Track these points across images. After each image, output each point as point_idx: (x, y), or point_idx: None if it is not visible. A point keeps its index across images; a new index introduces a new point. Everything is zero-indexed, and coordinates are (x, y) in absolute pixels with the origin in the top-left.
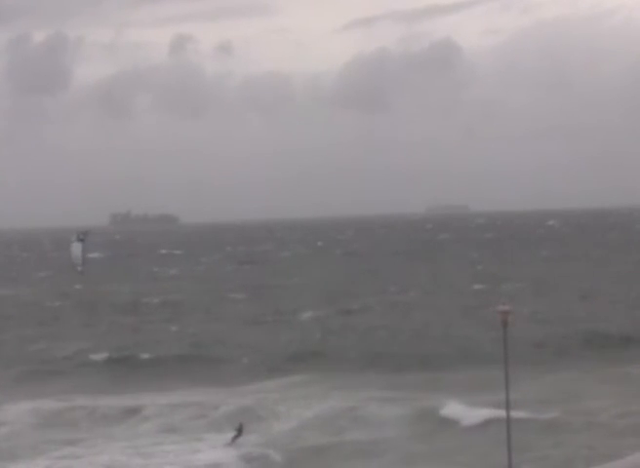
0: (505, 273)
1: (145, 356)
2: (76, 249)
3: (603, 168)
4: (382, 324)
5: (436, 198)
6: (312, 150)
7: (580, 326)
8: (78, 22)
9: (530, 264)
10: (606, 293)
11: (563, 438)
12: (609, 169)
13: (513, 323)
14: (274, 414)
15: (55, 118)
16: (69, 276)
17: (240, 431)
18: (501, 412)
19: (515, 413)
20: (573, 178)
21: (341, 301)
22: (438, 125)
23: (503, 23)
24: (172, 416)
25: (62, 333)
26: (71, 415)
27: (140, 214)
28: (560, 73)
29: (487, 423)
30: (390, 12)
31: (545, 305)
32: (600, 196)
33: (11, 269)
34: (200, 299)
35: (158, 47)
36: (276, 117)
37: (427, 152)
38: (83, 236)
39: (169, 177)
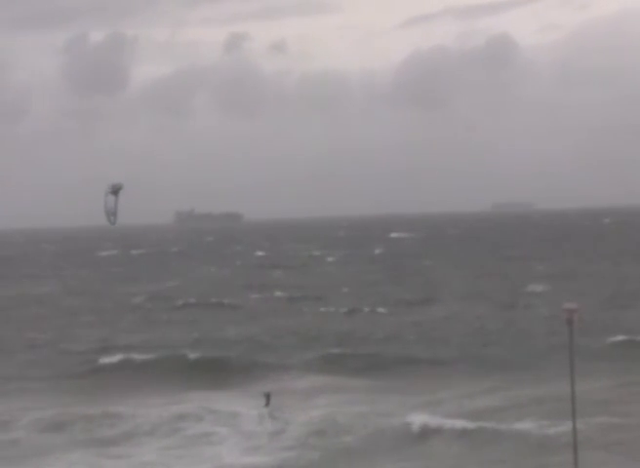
0: (544, 271)
1: (153, 357)
2: (110, 201)
3: None
4: (405, 327)
5: (502, 196)
6: (371, 148)
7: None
8: (135, 22)
9: (566, 261)
10: None
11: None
12: None
13: (582, 321)
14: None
15: (113, 117)
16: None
17: (269, 398)
18: (488, 422)
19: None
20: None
21: (366, 303)
22: (496, 122)
23: (561, 19)
24: (199, 419)
25: (76, 334)
26: (85, 420)
27: (204, 211)
28: (620, 70)
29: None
30: (448, 8)
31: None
32: None
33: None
34: (224, 300)
35: (214, 46)
36: (333, 115)
37: (488, 149)
38: (117, 189)
39: (231, 175)
